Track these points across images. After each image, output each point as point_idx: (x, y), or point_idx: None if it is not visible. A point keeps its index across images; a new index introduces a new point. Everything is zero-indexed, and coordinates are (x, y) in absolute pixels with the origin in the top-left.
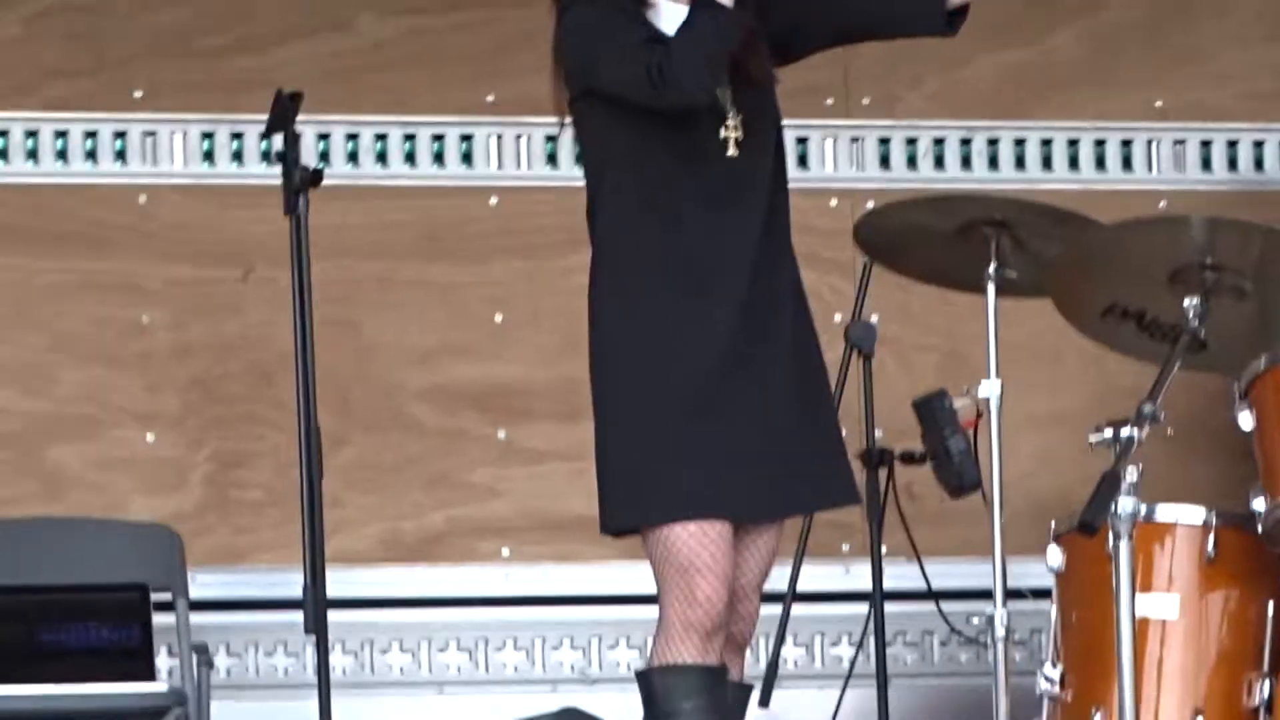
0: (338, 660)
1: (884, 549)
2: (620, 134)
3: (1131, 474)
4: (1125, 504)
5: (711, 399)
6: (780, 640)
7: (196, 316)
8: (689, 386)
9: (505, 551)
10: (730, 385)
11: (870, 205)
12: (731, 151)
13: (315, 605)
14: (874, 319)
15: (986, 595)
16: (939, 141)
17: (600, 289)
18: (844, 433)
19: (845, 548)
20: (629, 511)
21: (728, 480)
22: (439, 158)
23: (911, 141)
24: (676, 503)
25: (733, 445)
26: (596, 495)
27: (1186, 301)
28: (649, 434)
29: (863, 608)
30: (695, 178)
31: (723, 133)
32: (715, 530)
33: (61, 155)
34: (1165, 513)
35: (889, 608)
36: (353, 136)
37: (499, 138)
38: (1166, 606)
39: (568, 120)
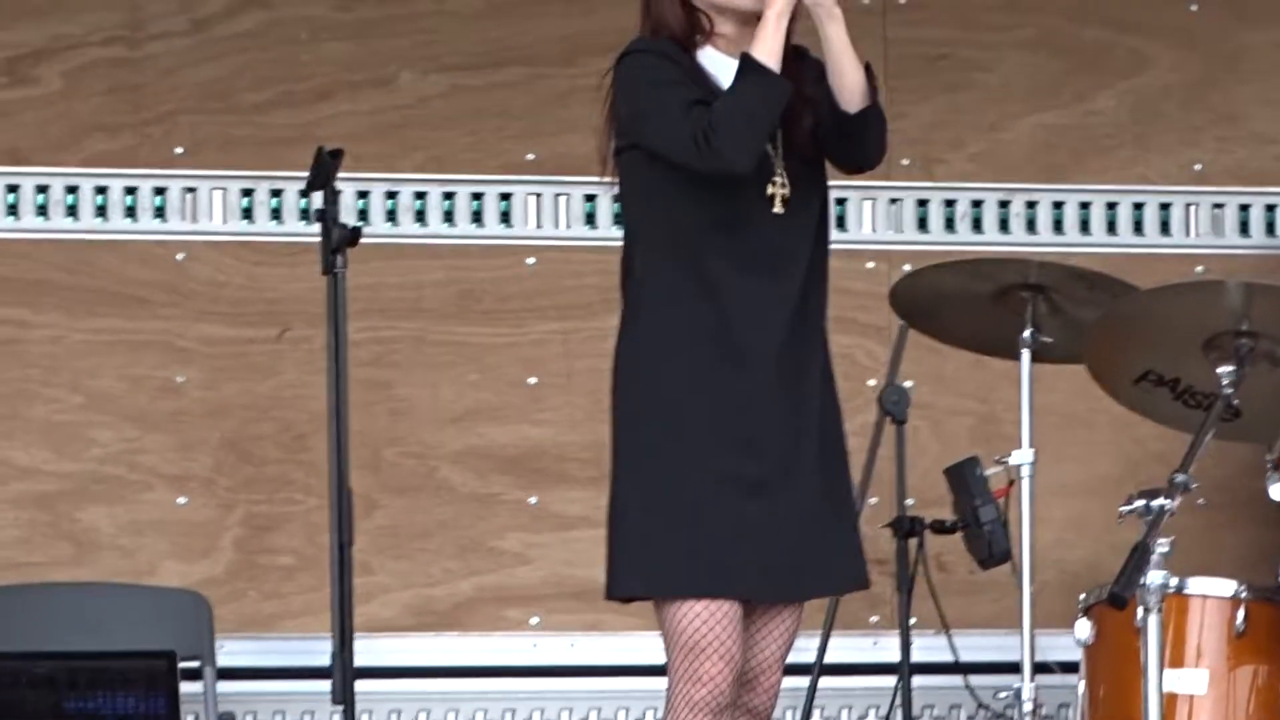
0: None
1: (912, 620)
2: (663, 189)
3: (1162, 546)
4: (1155, 577)
5: (733, 471)
6: (807, 713)
7: (231, 376)
8: (711, 456)
9: (534, 620)
10: (753, 458)
11: (907, 268)
12: (778, 209)
13: (343, 674)
14: (908, 384)
15: (1014, 669)
16: (977, 204)
17: (629, 347)
18: (875, 500)
19: (874, 619)
20: (637, 579)
21: (741, 559)
22: (477, 216)
23: (950, 204)
24: (686, 578)
25: (749, 522)
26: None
27: (1221, 369)
28: (665, 501)
29: (890, 680)
30: (736, 239)
31: (769, 190)
32: (723, 610)
33: (101, 211)
34: (1195, 586)
35: (916, 680)
36: (392, 195)
37: (538, 197)
38: (1195, 682)
39: (610, 178)
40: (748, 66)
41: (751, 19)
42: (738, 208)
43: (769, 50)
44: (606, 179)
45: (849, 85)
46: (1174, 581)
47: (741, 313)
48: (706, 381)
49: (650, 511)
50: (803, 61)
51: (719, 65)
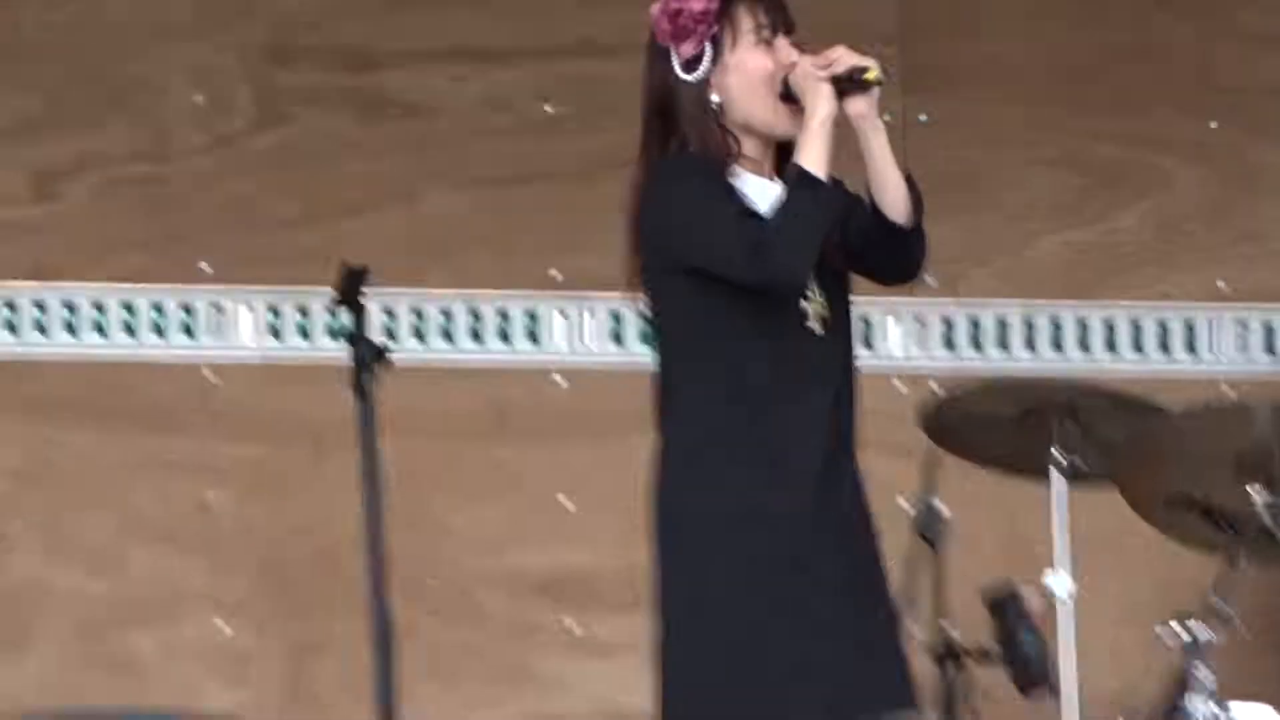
0: None
1: None
2: (700, 306)
3: (1202, 672)
4: (1194, 704)
5: (781, 594)
6: None
7: (261, 496)
8: (758, 579)
9: None
10: (798, 577)
11: (933, 386)
12: (813, 324)
13: None
14: (936, 503)
15: None
16: (1003, 322)
17: (668, 466)
18: (909, 624)
19: None
20: (692, 712)
21: (797, 691)
22: (504, 335)
23: (975, 322)
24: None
25: (800, 649)
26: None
27: (1252, 490)
28: (713, 630)
29: None
30: (774, 355)
31: (804, 305)
32: None
33: (128, 329)
34: (1236, 711)
35: None
36: (418, 312)
37: (564, 314)
38: None
39: (640, 294)
40: (799, 177)
41: (776, 140)
42: (775, 323)
43: (817, 159)
44: (633, 295)
45: (895, 197)
46: (1214, 709)
47: (782, 428)
48: (748, 490)
49: (699, 642)
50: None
51: (747, 185)
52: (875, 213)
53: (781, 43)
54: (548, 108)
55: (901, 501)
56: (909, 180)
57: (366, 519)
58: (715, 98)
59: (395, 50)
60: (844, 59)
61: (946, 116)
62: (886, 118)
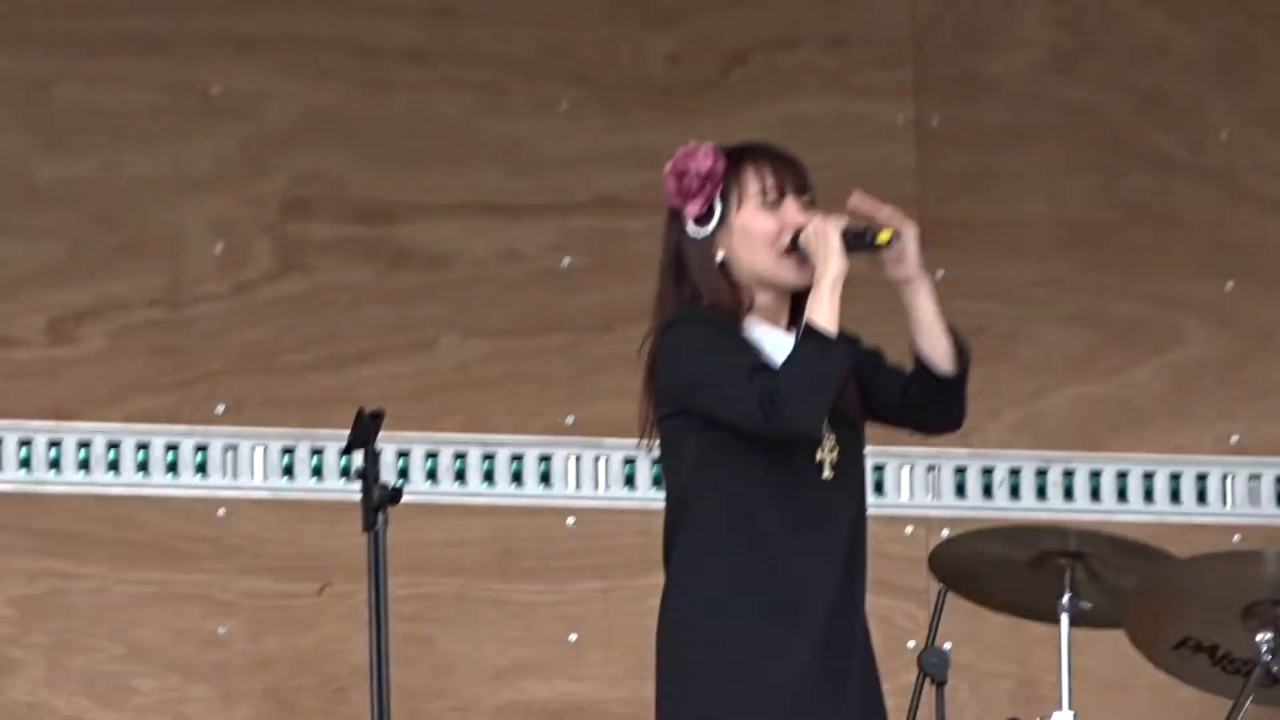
0: None
1: None
2: (711, 454)
3: None
4: None
5: None
6: None
7: (273, 630)
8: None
9: None
10: (803, 717)
11: (945, 533)
12: (826, 474)
13: None
14: (947, 646)
15: None
16: (1015, 471)
17: (676, 612)
18: None
19: None
20: None
21: None
22: (517, 477)
23: (988, 471)
24: None
25: None
26: None
27: (1259, 636)
28: None
29: None
30: (785, 502)
31: (818, 455)
32: None
33: (143, 467)
34: None
35: None
36: (432, 455)
37: (577, 459)
38: None
39: (652, 440)
40: (810, 332)
41: (790, 291)
42: (786, 471)
43: (827, 315)
44: (646, 442)
45: (942, 349)
46: None
47: (794, 572)
48: (758, 639)
49: None
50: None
51: (762, 336)
52: (920, 365)
53: (789, 203)
54: (564, 260)
55: (911, 644)
56: (952, 329)
57: (373, 652)
58: (720, 255)
59: (412, 202)
60: (863, 205)
61: (964, 272)
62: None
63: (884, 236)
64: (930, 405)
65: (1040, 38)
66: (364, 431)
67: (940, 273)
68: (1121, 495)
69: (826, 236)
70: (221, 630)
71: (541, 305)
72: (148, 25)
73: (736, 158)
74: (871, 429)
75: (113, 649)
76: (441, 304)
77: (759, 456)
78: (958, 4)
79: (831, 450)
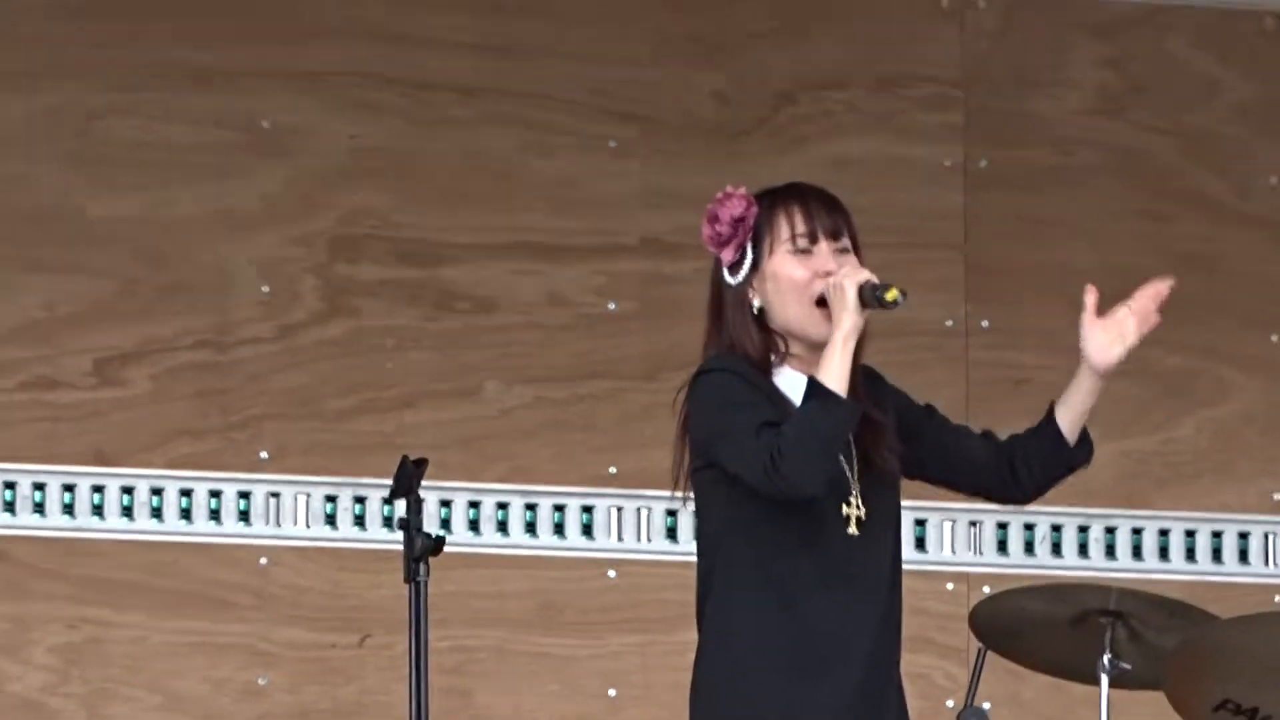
0: None
1: None
2: (741, 508)
3: None
4: None
5: None
6: None
7: (312, 680)
8: None
9: None
10: None
11: (986, 590)
12: (852, 530)
13: None
14: (986, 706)
15: None
16: (1056, 528)
17: (708, 663)
18: None
19: None
20: None
21: None
22: (559, 528)
23: (1029, 527)
24: None
25: None
26: None
27: None
28: None
29: None
30: (813, 557)
31: (845, 510)
32: None
33: (185, 514)
34: None
35: None
36: (475, 504)
37: (619, 510)
38: None
39: (687, 493)
40: (814, 390)
41: (824, 342)
42: (816, 526)
43: (835, 374)
44: (681, 494)
45: (1072, 435)
46: None
47: (824, 629)
48: (789, 697)
49: None
50: (874, 383)
51: (795, 386)
52: (1049, 438)
53: (822, 249)
54: (610, 305)
55: (950, 703)
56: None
57: (413, 705)
58: (756, 301)
59: (459, 245)
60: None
61: (1007, 322)
62: (949, 323)
63: (891, 295)
64: (1015, 475)
65: (1089, 80)
66: (407, 479)
67: (984, 323)
68: (1163, 553)
69: (843, 291)
70: (261, 681)
71: (586, 351)
72: (197, 60)
73: (770, 202)
74: (908, 484)
75: (151, 699)
76: (486, 349)
77: (786, 511)
78: (1007, 45)
79: (857, 507)
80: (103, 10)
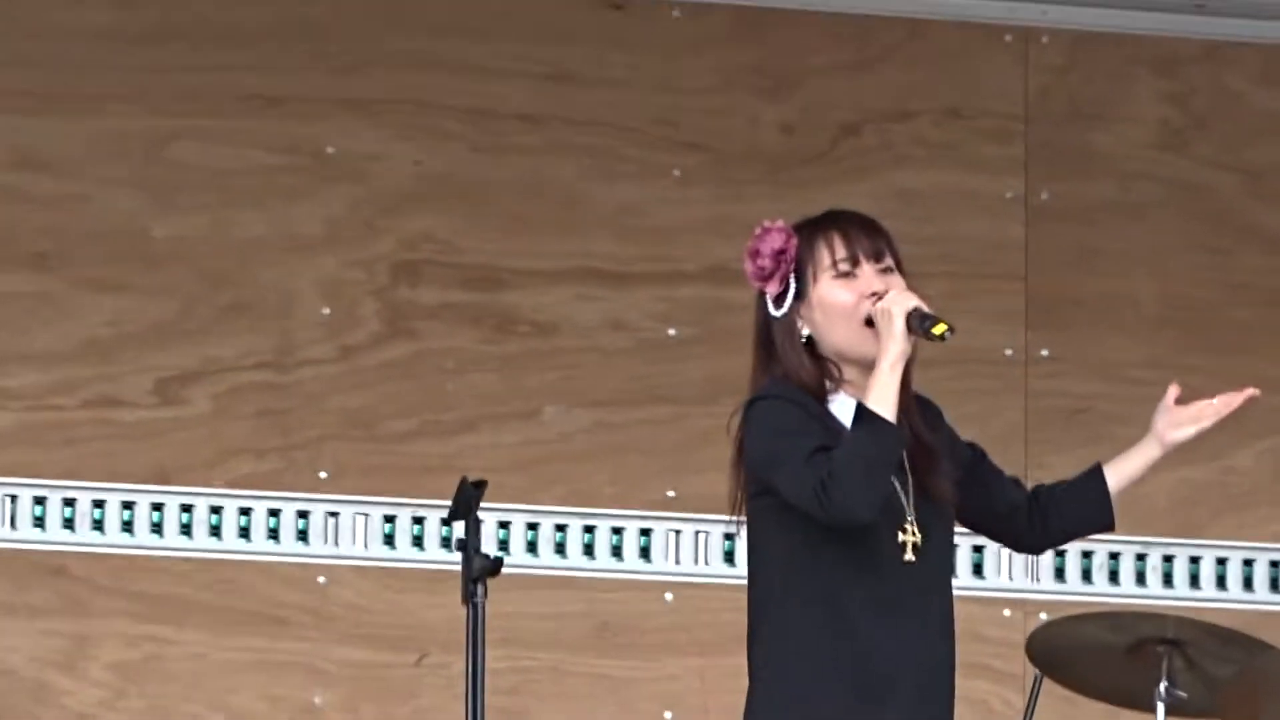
0: None
1: None
2: (796, 535)
3: None
4: None
5: None
6: None
7: (369, 699)
8: None
9: None
10: None
11: (1043, 617)
12: (909, 556)
13: None
14: None
15: None
16: (1114, 556)
17: (765, 697)
18: None
19: None
20: None
21: None
22: (617, 551)
23: (1087, 555)
24: None
25: None
26: None
27: None
28: None
29: None
30: (870, 583)
31: (900, 536)
32: None
33: (244, 533)
34: None
35: None
36: (533, 526)
37: (677, 534)
38: None
39: (743, 517)
40: (862, 416)
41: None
42: (872, 551)
43: (883, 399)
44: (737, 519)
45: (1116, 497)
46: None
47: (881, 654)
48: None
49: None
50: (931, 413)
51: (850, 411)
52: (1094, 494)
53: (865, 270)
54: (671, 331)
55: None
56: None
57: None
58: (805, 330)
59: (520, 268)
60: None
61: (1067, 351)
62: (1008, 351)
63: (939, 329)
64: (1046, 525)
65: (1151, 114)
66: (467, 501)
67: (1044, 353)
68: (1221, 582)
69: (890, 317)
70: (318, 700)
71: (646, 376)
72: (264, 85)
73: (809, 232)
74: None
75: (209, 716)
76: (546, 373)
77: (839, 536)
78: (1070, 78)
79: (913, 534)
80: (170, 35)
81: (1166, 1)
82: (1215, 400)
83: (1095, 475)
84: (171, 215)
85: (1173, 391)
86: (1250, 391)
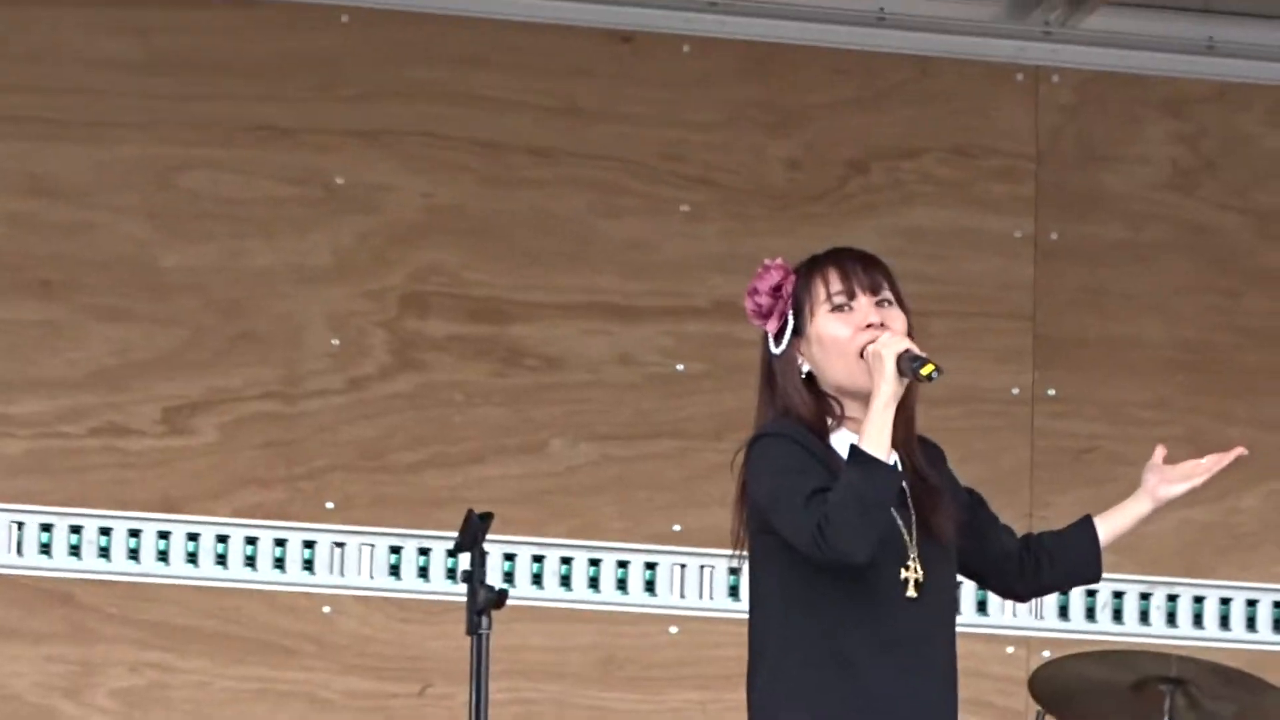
0: None
1: None
2: (799, 572)
3: None
4: None
5: None
6: None
7: None
8: None
9: None
10: None
11: (1046, 654)
12: (911, 593)
13: None
14: None
15: None
16: (1118, 595)
17: None
18: None
19: None
20: None
21: None
22: (622, 584)
23: (1091, 593)
24: None
25: None
26: None
27: None
28: None
29: None
30: (872, 621)
31: (903, 574)
32: None
33: (250, 562)
34: None
35: None
36: (539, 558)
37: (683, 568)
38: None
39: (744, 553)
40: (855, 458)
41: None
42: (873, 589)
43: (876, 439)
44: (739, 554)
45: (1101, 549)
46: None
47: (884, 693)
48: None
49: None
50: (934, 455)
51: (848, 449)
52: (1085, 545)
53: (861, 304)
54: (679, 366)
55: None
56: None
57: None
58: (805, 367)
59: (529, 301)
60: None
61: (1073, 392)
62: (1015, 391)
63: (926, 371)
64: (1038, 573)
65: (1161, 155)
66: (473, 533)
67: (1050, 392)
68: (1224, 622)
69: (881, 359)
70: None
71: (653, 411)
72: (274, 115)
73: (806, 269)
74: None
75: None
76: (554, 406)
77: (844, 575)
78: (1080, 119)
79: (915, 571)
80: (181, 65)
81: (1177, 42)
82: (1205, 460)
83: (1086, 528)
84: (180, 245)
85: (1159, 452)
86: (1238, 451)
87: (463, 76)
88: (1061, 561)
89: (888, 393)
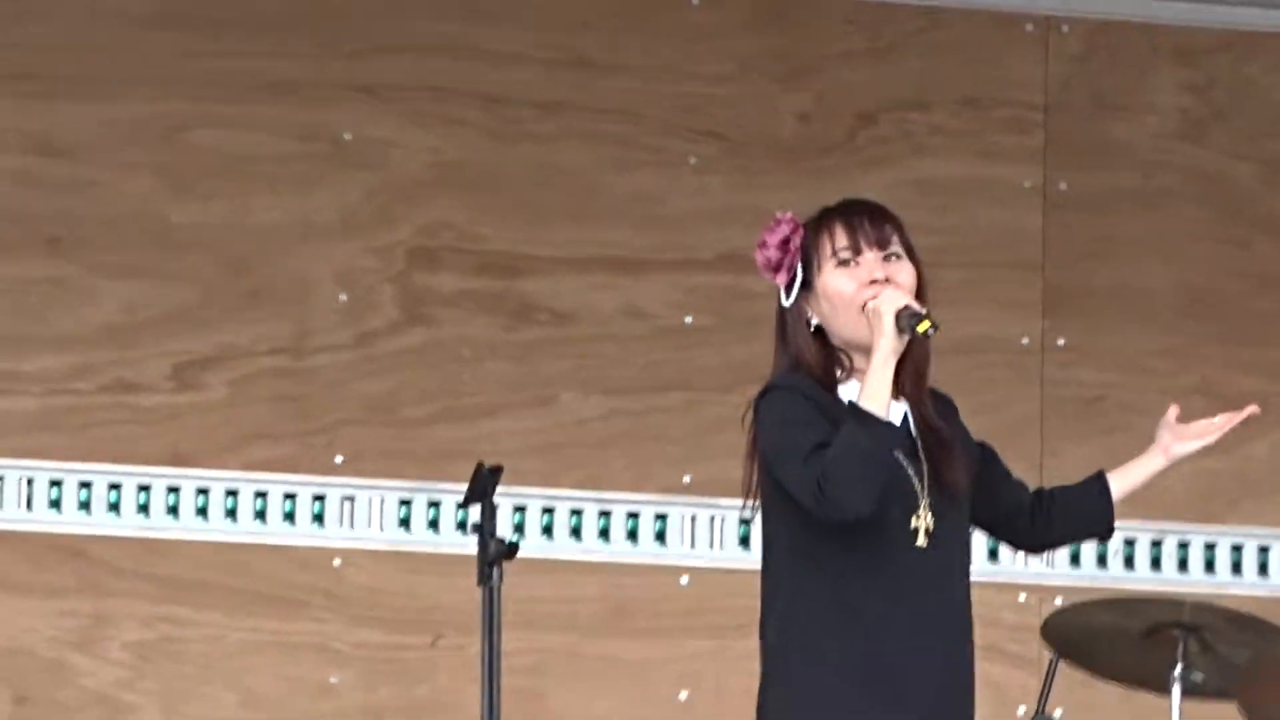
0: None
1: None
2: (806, 522)
3: None
4: None
5: None
6: None
7: (385, 680)
8: None
9: None
10: None
11: (1058, 601)
12: (921, 542)
13: None
14: (1057, 714)
15: None
16: (1130, 542)
17: (780, 686)
18: None
19: None
20: None
21: None
22: (633, 535)
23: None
24: None
25: None
26: None
27: None
28: None
29: None
30: (881, 571)
31: (913, 523)
32: None
33: (260, 515)
34: None
35: None
36: (549, 510)
37: (693, 518)
38: None
39: (756, 503)
40: (855, 412)
41: None
42: (882, 539)
43: (875, 394)
44: (751, 504)
45: (1116, 502)
46: None
47: (895, 643)
48: (861, 714)
49: None
50: (947, 408)
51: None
52: (1098, 499)
53: (867, 258)
54: (687, 319)
55: (1021, 711)
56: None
57: (485, 707)
58: (814, 320)
59: (537, 255)
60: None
61: (1084, 341)
62: (1025, 340)
63: (923, 327)
64: (1050, 525)
65: (1171, 104)
66: (482, 486)
67: (1060, 342)
68: (1236, 568)
69: (880, 315)
70: (334, 680)
71: (662, 363)
72: (281, 71)
73: (815, 222)
74: None
75: (226, 696)
76: (563, 360)
77: (853, 527)
78: (1089, 69)
79: (928, 518)
80: (189, 22)
81: None
82: (1218, 418)
83: (1099, 483)
84: (188, 201)
85: (1173, 410)
86: (1252, 409)
87: (469, 31)
88: (1073, 516)
89: (886, 348)
